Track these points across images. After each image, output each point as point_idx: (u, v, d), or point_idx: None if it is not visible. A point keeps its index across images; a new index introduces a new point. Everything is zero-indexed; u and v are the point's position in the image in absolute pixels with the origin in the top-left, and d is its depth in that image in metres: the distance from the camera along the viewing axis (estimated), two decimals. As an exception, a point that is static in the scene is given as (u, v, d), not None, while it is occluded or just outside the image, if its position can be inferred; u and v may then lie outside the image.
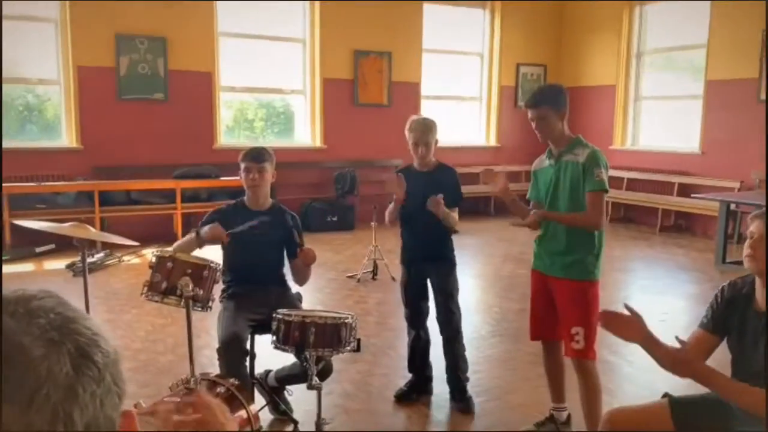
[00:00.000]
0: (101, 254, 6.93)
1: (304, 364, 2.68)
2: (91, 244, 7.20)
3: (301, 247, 3.21)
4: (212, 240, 3.07)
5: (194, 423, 0.90)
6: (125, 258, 7.00)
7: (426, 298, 3.59)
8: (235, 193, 8.23)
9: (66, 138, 7.99)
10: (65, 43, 7.71)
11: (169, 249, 2.95)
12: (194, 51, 8.31)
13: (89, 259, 6.74)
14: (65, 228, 3.03)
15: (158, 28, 8.03)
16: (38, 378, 0.53)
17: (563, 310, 2.97)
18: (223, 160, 8.30)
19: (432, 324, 3.63)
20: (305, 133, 9.53)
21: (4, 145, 7.72)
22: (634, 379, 3.90)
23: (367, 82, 9.55)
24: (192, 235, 3.14)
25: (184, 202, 7.80)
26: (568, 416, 3.22)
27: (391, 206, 3.48)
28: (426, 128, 3.46)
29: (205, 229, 3.08)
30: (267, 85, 9.39)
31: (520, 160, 10.10)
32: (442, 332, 3.52)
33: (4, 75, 7.97)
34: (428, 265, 3.51)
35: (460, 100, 10.87)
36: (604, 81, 10.24)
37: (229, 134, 9.09)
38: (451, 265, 3.53)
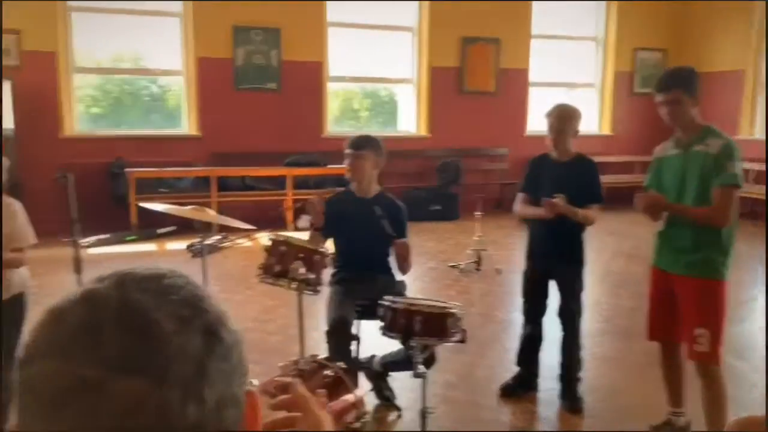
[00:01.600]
0: (217, 237, 7.30)
1: (410, 351, 2.69)
2: (209, 227, 7.61)
3: (401, 238, 3.18)
4: (320, 221, 3.12)
5: (289, 421, 0.91)
6: (238, 241, 7.33)
7: (546, 295, 3.49)
8: (341, 180, 8.48)
9: (186, 126, 8.46)
10: (188, 36, 8.15)
11: (284, 233, 3.05)
12: (305, 41, 8.53)
13: (207, 241, 7.15)
14: (187, 211, 3.19)
15: (273, 19, 8.30)
16: (170, 354, 0.54)
17: (687, 311, 2.78)
18: (331, 149, 8.49)
19: (545, 320, 3.54)
20: (409, 122, 9.55)
21: (134, 132, 8.32)
22: (763, 386, 3.61)
23: (474, 70, 9.41)
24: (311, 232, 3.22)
25: (294, 189, 8.06)
26: (688, 422, 3.03)
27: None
28: (562, 115, 3.30)
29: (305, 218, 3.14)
30: (374, 75, 9.49)
31: (634, 150, 9.61)
32: (562, 330, 3.41)
33: (132, 67, 8.57)
34: (554, 262, 3.37)
35: (571, 87, 10.48)
36: (730, 66, 9.51)
37: (335, 124, 9.27)
38: (579, 264, 3.38)
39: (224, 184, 7.99)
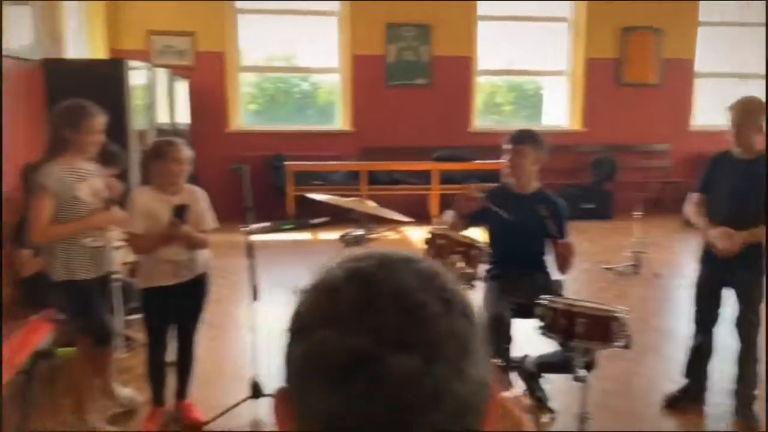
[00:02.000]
0: (366, 229, 7.52)
1: (569, 354, 2.60)
2: (361, 219, 7.87)
3: (561, 238, 3.08)
4: (466, 208, 3.08)
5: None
6: (386, 233, 7.50)
7: (720, 304, 3.22)
8: (487, 176, 8.38)
9: (340, 121, 8.79)
10: (344, 34, 8.46)
11: (442, 226, 3.07)
12: (455, 36, 8.52)
13: (357, 232, 7.41)
14: (350, 202, 3.31)
15: (424, 16, 8.38)
16: (439, 334, 0.56)
17: None
18: (478, 143, 8.43)
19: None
20: (559, 115, 9.22)
21: (290, 128, 8.79)
22: None
23: (634, 60, 8.88)
24: (451, 215, 3.20)
25: (439, 183, 8.10)
26: None
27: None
28: (744, 108, 3.01)
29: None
30: (523, 68, 9.27)
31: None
32: (739, 341, 3.13)
33: (284, 65, 9.04)
34: (735, 269, 3.09)
35: (743, 78, 9.55)
36: None
37: (478, 118, 9.18)
38: (759, 271, 3.08)
39: (373, 178, 8.20)
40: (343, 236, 7.34)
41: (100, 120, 2.95)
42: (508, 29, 9.01)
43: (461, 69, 8.63)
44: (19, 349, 2.05)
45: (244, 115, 8.81)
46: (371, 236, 7.43)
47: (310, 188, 7.95)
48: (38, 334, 2.22)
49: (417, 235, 7.37)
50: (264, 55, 8.96)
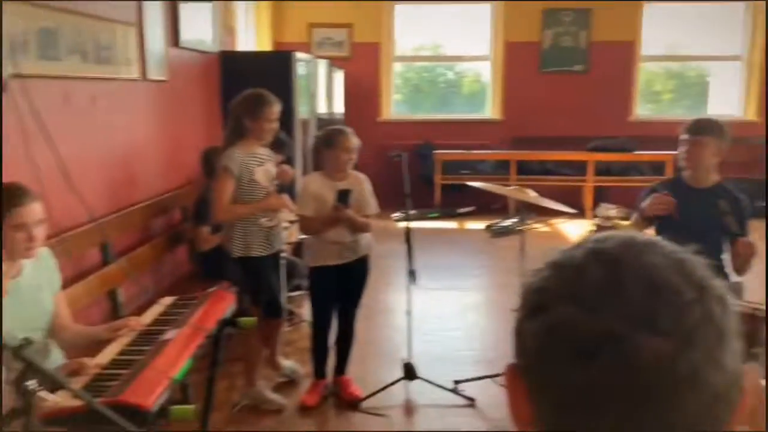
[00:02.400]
0: (514, 219, 7.40)
1: (751, 362, 2.40)
2: (516, 209, 7.79)
3: (742, 236, 2.83)
4: (657, 211, 2.93)
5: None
6: (535, 225, 7.33)
7: None
8: (647, 168, 7.91)
9: (489, 110, 8.69)
10: (498, 21, 8.33)
11: (607, 219, 2.96)
12: (618, 20, 8.08)
13: (504, 223, 7.32)
14: (510, 190, 3.28)
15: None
16: (695, 319, 0.55)
17: None
18: (638, 133, 7.96)
19: None
20: (730, 105, 8.45)
21: (437, 117, 8.83)
22: None
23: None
24: (634, 216, 3.06)
25: (595, 175, 7.76)
26: None
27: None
28: None
29: (646, 202, 2.97)
30: (688, 52, 8.62)
31: None
32: None
33: (431, 54, 9.06)
34: None
35: None
36: None
37: (641, 106, 8.67)
38: None
39: (522, 168, 8.03)
40: (489, 226, 7.30)
41: (276, 108, 3.16)
42: (673, 11, 8.38)
43: (622, 54, 8.18)
44: (207, 317, 2.26)
45: (393, 105, 8.99)
46: (521, 227, 7.29)
47: (459, 177, 7.97)
48: (223, 303, 2.43)
49: (570, 229, 7.13)
50: (412, 45, 9.05)
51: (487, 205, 8.16)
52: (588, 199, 7.72)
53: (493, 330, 4.25)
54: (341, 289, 3.24)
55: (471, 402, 3.26)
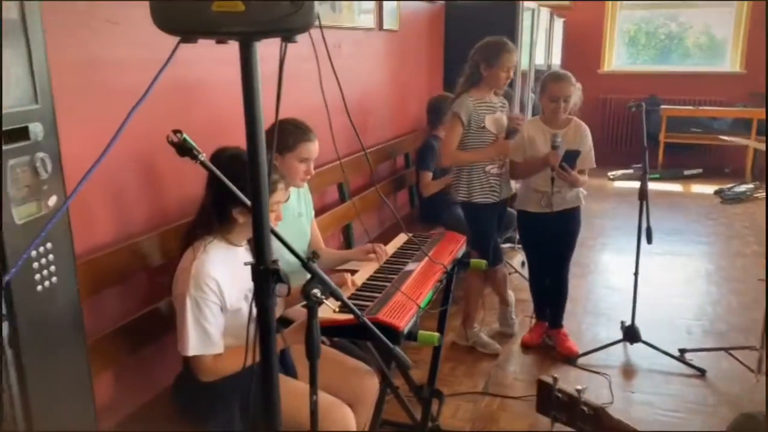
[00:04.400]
0: (750, 186, 6.65)
1: None
2: (744, 174, 7.01)
3: None
4: None
5: None
6: (775, 193, 6.52)
7: None
8: None
9: (728, 62, 7.78)
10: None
11: None
12: None
13: (739, 188, 6.60)
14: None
15: None
16: None
17: None
18: None
19: None
20: None
21: (666, 69, 8.11)
22: None
23: None
24: None
25: None
26: None
27: None
28: None
29: None
30: None
31: None
32: None
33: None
34: None
35: None
36: None
37: None
38: None
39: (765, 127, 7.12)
40: (720, 191, 6.61)
41: (515, 57, 3.13)
42: None
43: None
44: (442, 254, 2.37)
45: (615, 56, 8.43)
46: (756, 194, 6.51)
47: (685, 135, 7.32)
48: (456, 244, 2.53)
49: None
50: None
51: (719, 168, 7.43)
52: None
53: (725, 302, 3.91)
54: (550, 238, 3.21)
55: (701, 373, 3.06)
